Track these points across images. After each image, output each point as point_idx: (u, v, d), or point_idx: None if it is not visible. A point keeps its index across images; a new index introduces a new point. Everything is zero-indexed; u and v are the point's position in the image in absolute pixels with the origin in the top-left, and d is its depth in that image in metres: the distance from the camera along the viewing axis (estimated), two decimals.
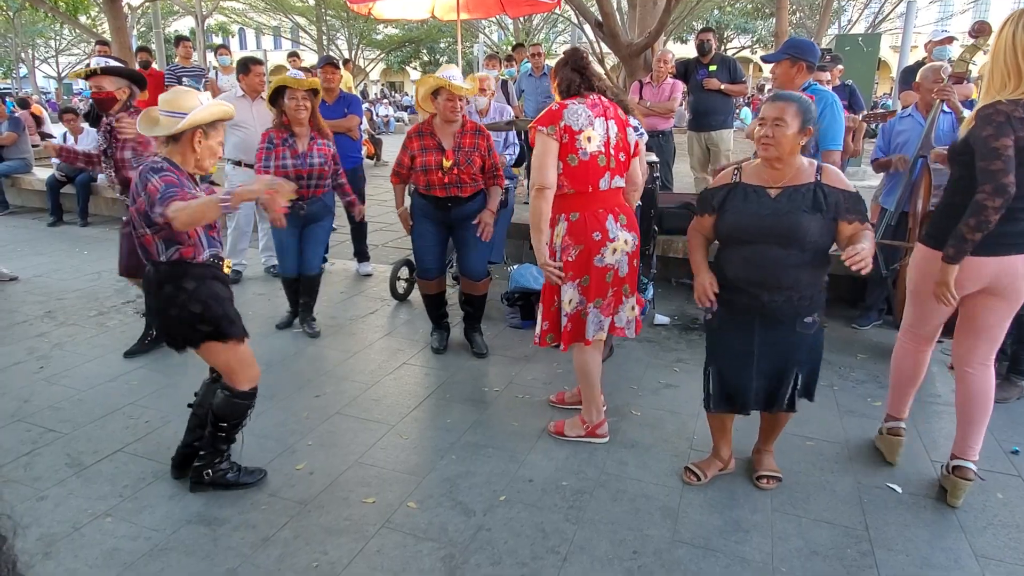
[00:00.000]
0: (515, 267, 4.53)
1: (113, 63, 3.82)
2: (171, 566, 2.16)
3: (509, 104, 6.73)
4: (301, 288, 4.21)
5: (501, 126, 4.48)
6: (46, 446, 2.88)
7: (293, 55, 8.90)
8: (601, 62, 8.64)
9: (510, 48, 13.22)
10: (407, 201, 3.87)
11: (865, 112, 5.85)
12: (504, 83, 6.99)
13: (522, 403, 3.30)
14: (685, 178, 7.70)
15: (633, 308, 2.88)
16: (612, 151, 2.70)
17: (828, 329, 2.67)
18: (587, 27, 8.18)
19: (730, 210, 2.39)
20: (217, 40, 28.22)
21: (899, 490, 2.59)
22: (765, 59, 3.61)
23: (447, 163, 3.52)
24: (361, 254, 5.48)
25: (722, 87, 6.04)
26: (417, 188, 3.72)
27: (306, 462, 2.77)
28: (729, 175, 2.46)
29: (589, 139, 2.64)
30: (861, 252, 2.09)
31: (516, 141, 4.90)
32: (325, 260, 5.25)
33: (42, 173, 8.12)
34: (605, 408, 3.00)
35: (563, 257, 2.74)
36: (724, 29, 27.84)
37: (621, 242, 2.74)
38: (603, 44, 8.09)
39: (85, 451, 2.84)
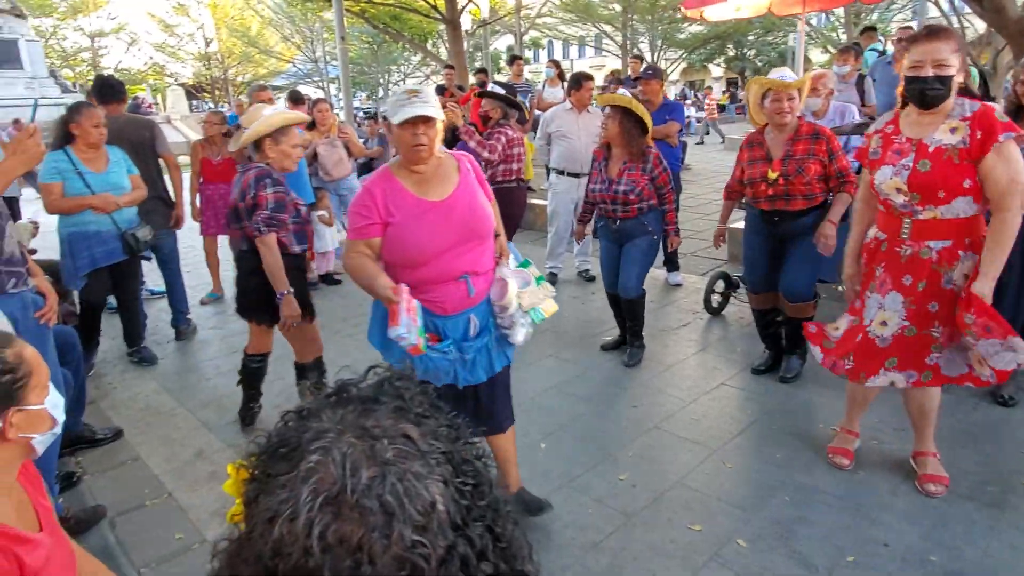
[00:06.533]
0: None
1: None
2: None
3: (864, 103, 5.60)
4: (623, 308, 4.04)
5: (846, 130, 3.96)
6: None
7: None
8: (963, 37, 7.22)
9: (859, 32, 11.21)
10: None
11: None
12: (860, 78, 5.92)
13: (870, 449, 2.87)
14: None
15: None
16: None
17: None
18: None
19: None
20: (528, 54, 30.64)
21: None
22: None
23: (772, 175, 3.29)
24: (671, 263, 5.39)
25: None
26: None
27: (628, 473, 2.79)
28: None
29: None
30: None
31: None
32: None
33: None
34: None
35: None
36: None
37: None
38: (962, 20, 6.75)
39: None
